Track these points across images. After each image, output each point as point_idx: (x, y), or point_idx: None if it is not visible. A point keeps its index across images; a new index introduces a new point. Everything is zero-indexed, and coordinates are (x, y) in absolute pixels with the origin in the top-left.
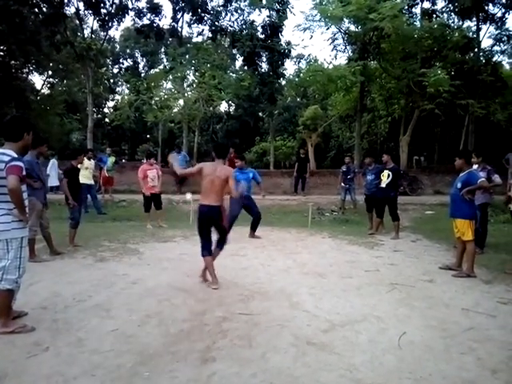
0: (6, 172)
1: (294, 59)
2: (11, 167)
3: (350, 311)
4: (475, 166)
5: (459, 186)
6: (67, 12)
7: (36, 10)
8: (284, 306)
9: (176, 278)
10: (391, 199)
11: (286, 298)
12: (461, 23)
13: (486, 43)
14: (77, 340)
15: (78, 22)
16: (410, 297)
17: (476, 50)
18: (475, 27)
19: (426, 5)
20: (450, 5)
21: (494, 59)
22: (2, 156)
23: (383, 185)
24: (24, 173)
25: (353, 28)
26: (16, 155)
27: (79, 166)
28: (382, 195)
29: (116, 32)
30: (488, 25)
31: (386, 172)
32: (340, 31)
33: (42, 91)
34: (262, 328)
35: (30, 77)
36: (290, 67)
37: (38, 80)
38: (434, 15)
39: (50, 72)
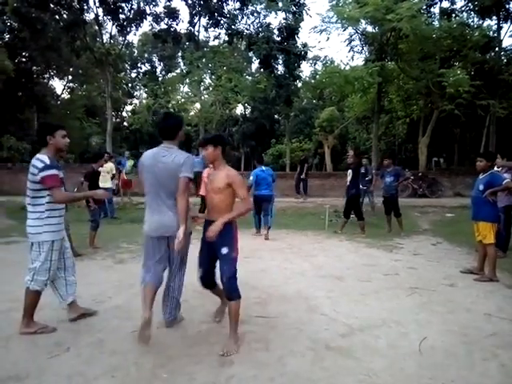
0: (46, 183)
1: (311, 61)
2: (47, 178)
3: (368, 315)
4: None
5: (481, 187)
6: (87, 18)
7: (57, 16)
8: (301, 310)
9: (193, 280)
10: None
11: (303, 301)
12: (481, 22)
13: (507, 42)
14: (97, 341)
15: (97, 27)
16: (430, 301)
17: (497, 49)
18: (496, 26)
19: (445, 4)
20: (469, 4)
21: None
22: (36, 162)
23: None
24: (61, 176)
25: (370, 29)
26: (48, 161)
27: (101, 169)
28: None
29: (134, 37)
30: (509, 23)
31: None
32: (357, 32)
33: (63, 96)
34: (280, 331)
35: (50, 82)
36: (306, 69)
37: (58, 85)
38: (453, 14)
39: (70, 77)
